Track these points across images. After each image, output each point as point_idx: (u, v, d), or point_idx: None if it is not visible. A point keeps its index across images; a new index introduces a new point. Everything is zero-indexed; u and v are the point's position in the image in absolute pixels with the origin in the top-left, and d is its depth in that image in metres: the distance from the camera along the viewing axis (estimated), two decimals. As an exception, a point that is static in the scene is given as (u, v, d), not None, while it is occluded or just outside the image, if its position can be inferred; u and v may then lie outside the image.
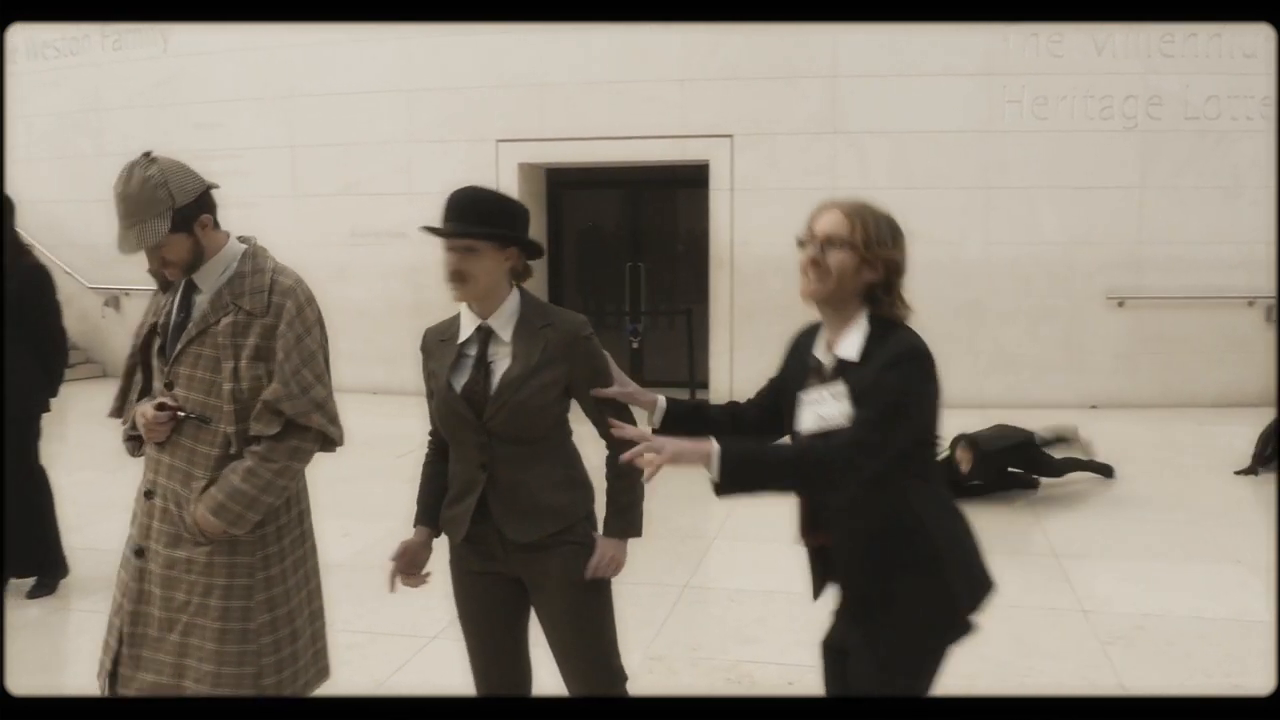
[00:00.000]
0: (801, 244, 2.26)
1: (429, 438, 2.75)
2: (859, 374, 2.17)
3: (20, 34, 11.62)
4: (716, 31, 9.60)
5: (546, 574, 2.56)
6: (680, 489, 6.71)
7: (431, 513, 2.69)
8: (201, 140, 11.10)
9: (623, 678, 2.67)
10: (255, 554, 2.62)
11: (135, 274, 3.55)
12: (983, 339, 9.69)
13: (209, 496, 2.54)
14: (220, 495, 2.53)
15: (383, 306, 10.65)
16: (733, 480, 2.06)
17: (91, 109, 11.55)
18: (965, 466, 6.16)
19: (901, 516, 2.19)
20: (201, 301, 2.59)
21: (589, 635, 2.61)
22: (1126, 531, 5.74)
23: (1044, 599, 4.71)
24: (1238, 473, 6.88)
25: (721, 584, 5.17)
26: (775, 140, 9.80)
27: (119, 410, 2.77)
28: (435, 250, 2.56)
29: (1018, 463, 6.44)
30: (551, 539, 2.55)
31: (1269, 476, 6.64)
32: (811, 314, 2.36)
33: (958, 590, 2.21)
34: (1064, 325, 9.67)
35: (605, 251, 11.82)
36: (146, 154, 2.52)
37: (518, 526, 2.54)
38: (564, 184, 11.41)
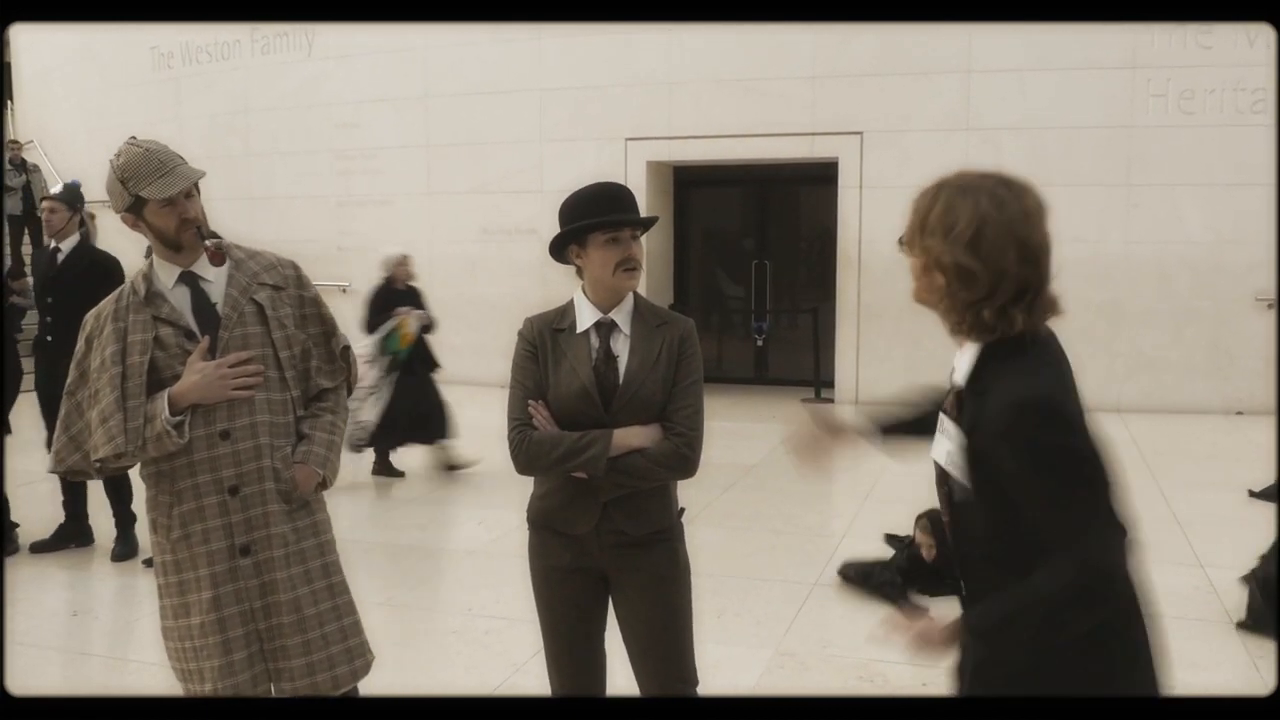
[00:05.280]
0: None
1: (521, 426, 2.49)
2: (968, 409, 1.75)
3: (176, 40, 12.23)
4: (847, 27, 9.52)
5: (641, 570, 2.53)
6: (808, 489, 6.72)
7: None
8: (341, 140, 11.55)
9: (696, 679, 2.64)
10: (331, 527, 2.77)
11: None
12: (1121, 341, 9.39)
13: (312, 454, 2.64)
14: (322, 450, 2.66)
15: (511, 302, 10.83)
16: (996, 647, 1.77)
17: (241, 111, 12.07)
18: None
19: None
20: (219, 289, 2.57)
21: (675, 630, 2.59)
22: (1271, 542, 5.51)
23: (1190, 609, 4.57)
24: None
25: (851, 583, 5.14)
26: (906, 137, 9.66)
27: (125, 447, 2.46)
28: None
29: None
30: (652, 535, 2.54)
31: None
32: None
33: None
34: (1209, 327, 9.30)
35: (731, 249, 11.83)
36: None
37: (633, 520, 2.51)
38: (691, 181, 11.46)
